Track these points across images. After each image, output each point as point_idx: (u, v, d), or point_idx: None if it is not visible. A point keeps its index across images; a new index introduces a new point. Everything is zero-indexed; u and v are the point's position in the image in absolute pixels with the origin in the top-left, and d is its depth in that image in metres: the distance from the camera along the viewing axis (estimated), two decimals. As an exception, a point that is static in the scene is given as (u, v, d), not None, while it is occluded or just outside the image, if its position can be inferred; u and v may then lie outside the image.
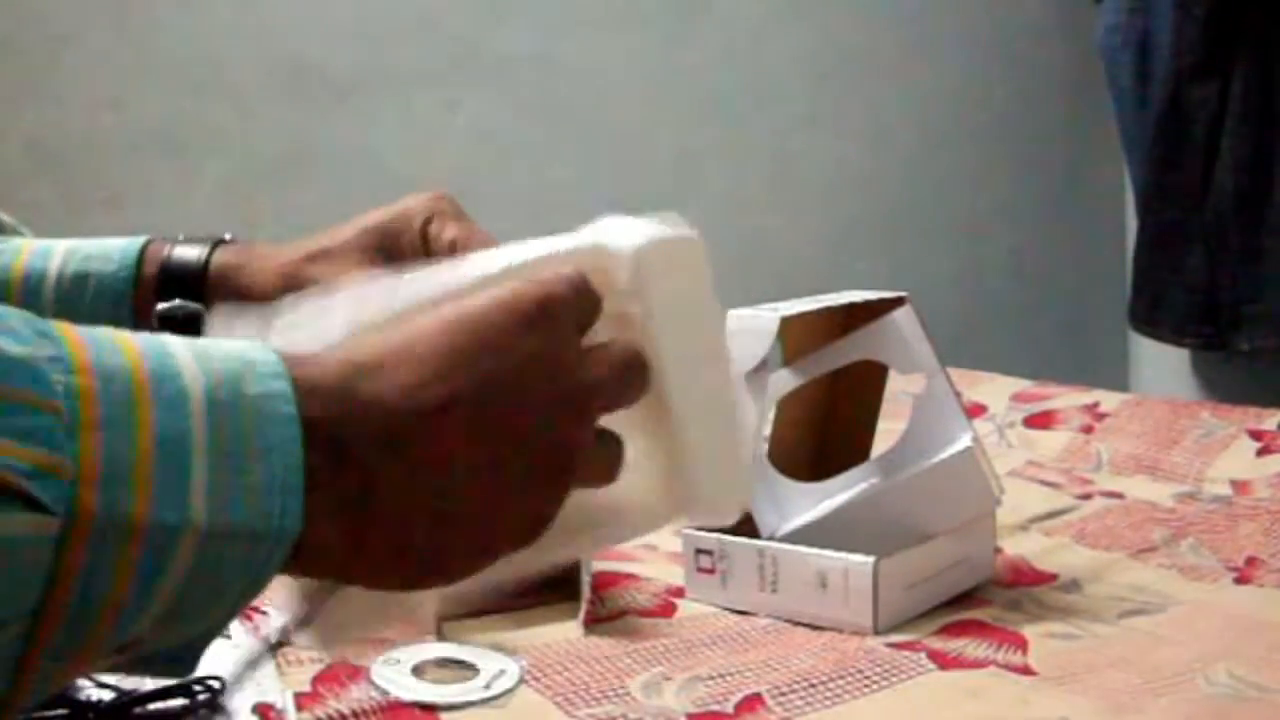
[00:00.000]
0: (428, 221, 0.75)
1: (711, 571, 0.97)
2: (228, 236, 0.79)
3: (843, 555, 0.91)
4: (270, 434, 0.40)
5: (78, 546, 0.36)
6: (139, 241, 0.77)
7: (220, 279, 0.75)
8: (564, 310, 0.48)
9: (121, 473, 0.37)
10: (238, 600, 0.41)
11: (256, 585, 0.40)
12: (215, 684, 0.75)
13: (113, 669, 0.41)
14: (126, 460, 0.37)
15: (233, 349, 0.41)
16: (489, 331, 0.46)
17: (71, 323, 0.39)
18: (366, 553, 0.43)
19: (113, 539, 0.36)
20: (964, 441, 0.97)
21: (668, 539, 1.08)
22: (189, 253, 0.76)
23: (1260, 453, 1.33)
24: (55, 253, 0.77)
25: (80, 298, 0.75)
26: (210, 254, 0.76)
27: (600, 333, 0.51)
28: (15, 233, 0.82)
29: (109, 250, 0.77)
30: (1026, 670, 0.84)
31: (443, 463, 0.44)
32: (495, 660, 0.84)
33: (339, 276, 0.68)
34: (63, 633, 0.37)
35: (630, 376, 0.50)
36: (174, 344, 0.40)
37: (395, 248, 0.74)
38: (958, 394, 1.00)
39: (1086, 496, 1.28)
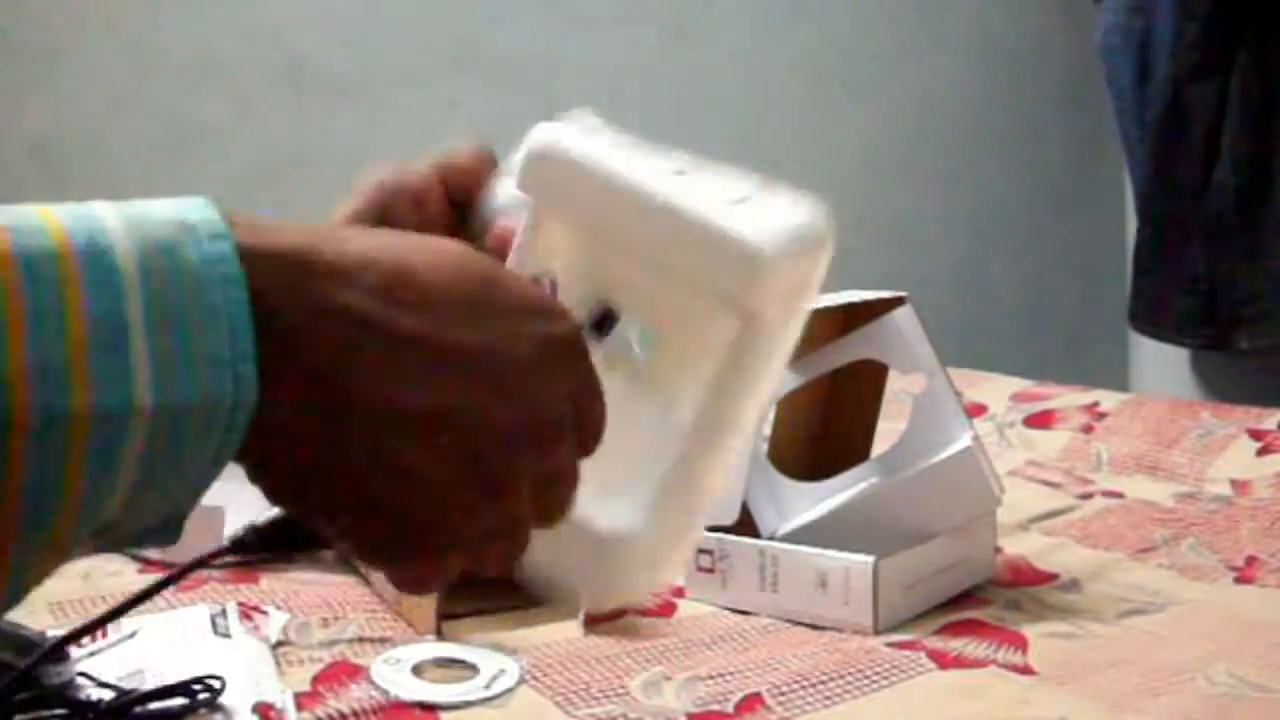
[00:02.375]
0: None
1: (711, 571, 0.97)
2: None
3: (843, 555, 0.91)
4: (213, 298, 0.37)
5: (19, 448, 0.34)
6: None
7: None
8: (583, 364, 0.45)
9: (55, 366, 0.35)
10: (209, 470, 0.39)
11: (223, 455, 0.38)
12: (215, 684, 0.75)
13: (97, 551, 0.40)
14: (59, 352, 0.35)
15: (170, 213, 0.38)
16: (504, 317, 0.43)
17: None
18: (319, 458, 0.41)
19: (56, 436, 0.35)
20: (964, 441, 0.97)
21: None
22: None
23: (1260, 453, 1.33)
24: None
25: None
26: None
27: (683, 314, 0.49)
28: None
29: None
30: (1026, 670, 0.84)
31: (389, 416, 0.40)
32: (495, 660, 0.84)
33: None
34: (25, 530, 0.35)
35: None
36: (104, 214, 0.38)
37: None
38: (958, 394, 1.00)
39: (1086, 496, 1.28)
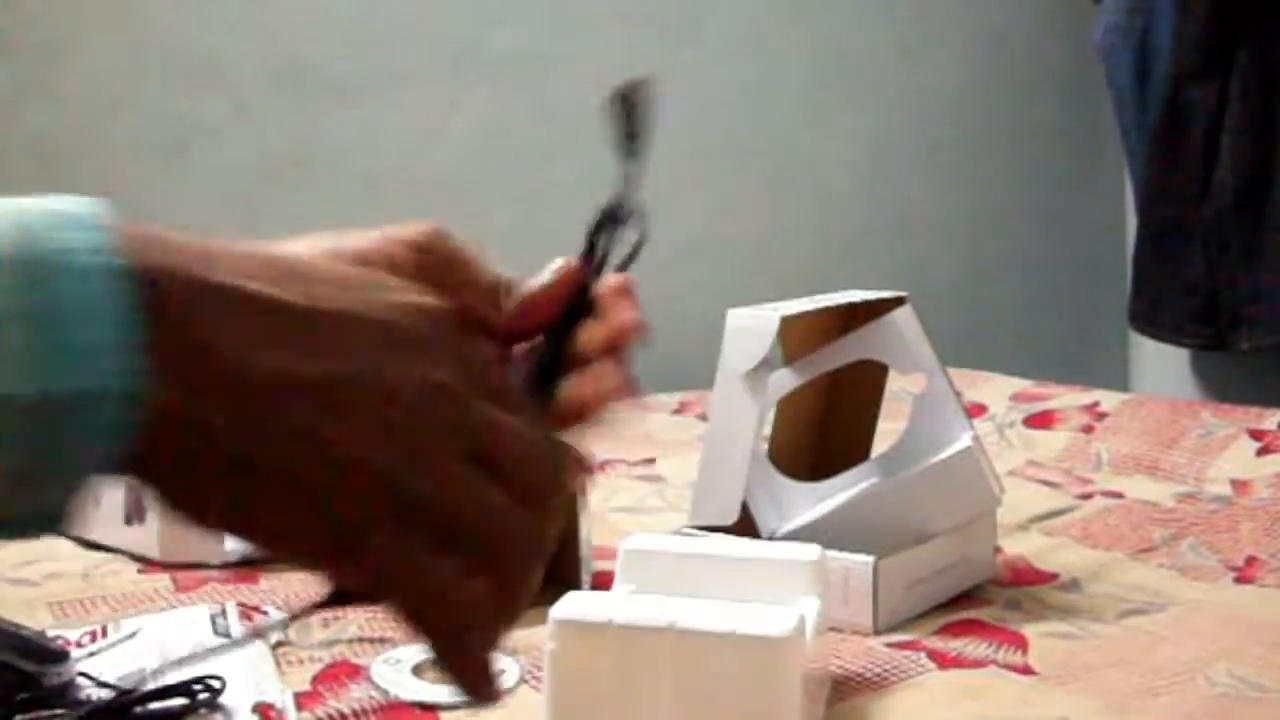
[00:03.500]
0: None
1: (711, 571, 0.97)
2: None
3: (843, 555, 0.91)
4: (92, 289, 0.36)
5: None
6: None
7: None
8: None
9: None
10: (97, 465, 0.37)
11: (113, 449, 0.37)
12: (215, 684, 0.75)
13: None
14: None
15: (49, 204, 0.37)
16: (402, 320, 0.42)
17: None
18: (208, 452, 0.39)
19: None
20: (964, 441, 0.97)
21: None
22: None
23: (1260, 453, 1.33)
24: None
25: None
26: None
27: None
28: None
29: None
30: (1026, 670, 0.84)
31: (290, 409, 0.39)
32: (495, 660, 0.84)
33: None
34: None
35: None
36: None
37: None
38: (958, 394, 1.00)
39: (1086, 496, 1.28)
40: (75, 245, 0.36)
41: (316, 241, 0.46)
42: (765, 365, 0.98)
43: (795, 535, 0.99)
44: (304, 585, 1.00)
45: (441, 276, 0.49)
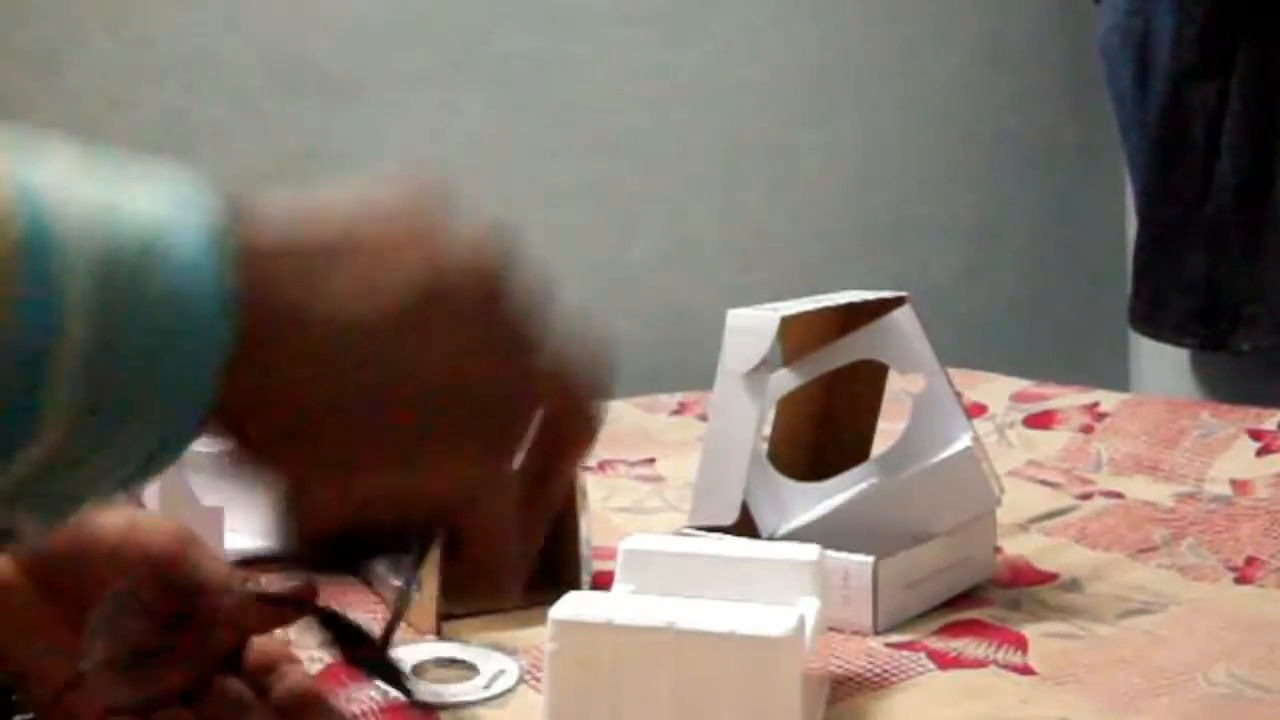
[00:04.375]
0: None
1: (711, 571, 0.97)
2: None
3: (842, 555, 0.91)
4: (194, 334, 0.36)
5: None
6: None
7: None
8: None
9: None
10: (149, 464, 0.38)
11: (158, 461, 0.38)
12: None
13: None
14: None
15: (151, 211, 0.37)
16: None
17: None
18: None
19: None
20: (964, 441, 0.97)
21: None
22: None
23: (1260, 453, 1.33)
24: None
25: None
26: None
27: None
28: None
29: None
30: (1026, 670, 0.84)
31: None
32: (495, 660, 0.84)
33: None
34: None
35: None
36: (65, 243, 0.35)
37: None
38: (958, 394, 1.00)
39: (1086, 496, 1.28)
40: (175, 284, 0.36)
41: None
42: (765, 365, 0.98)
43: (795, 535, 0.99)
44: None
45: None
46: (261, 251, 0.39)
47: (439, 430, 0.42)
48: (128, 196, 0.37)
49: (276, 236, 0.40)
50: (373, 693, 0.79)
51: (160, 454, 0.38)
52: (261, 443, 0.41)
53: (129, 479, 0.38)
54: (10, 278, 0.33)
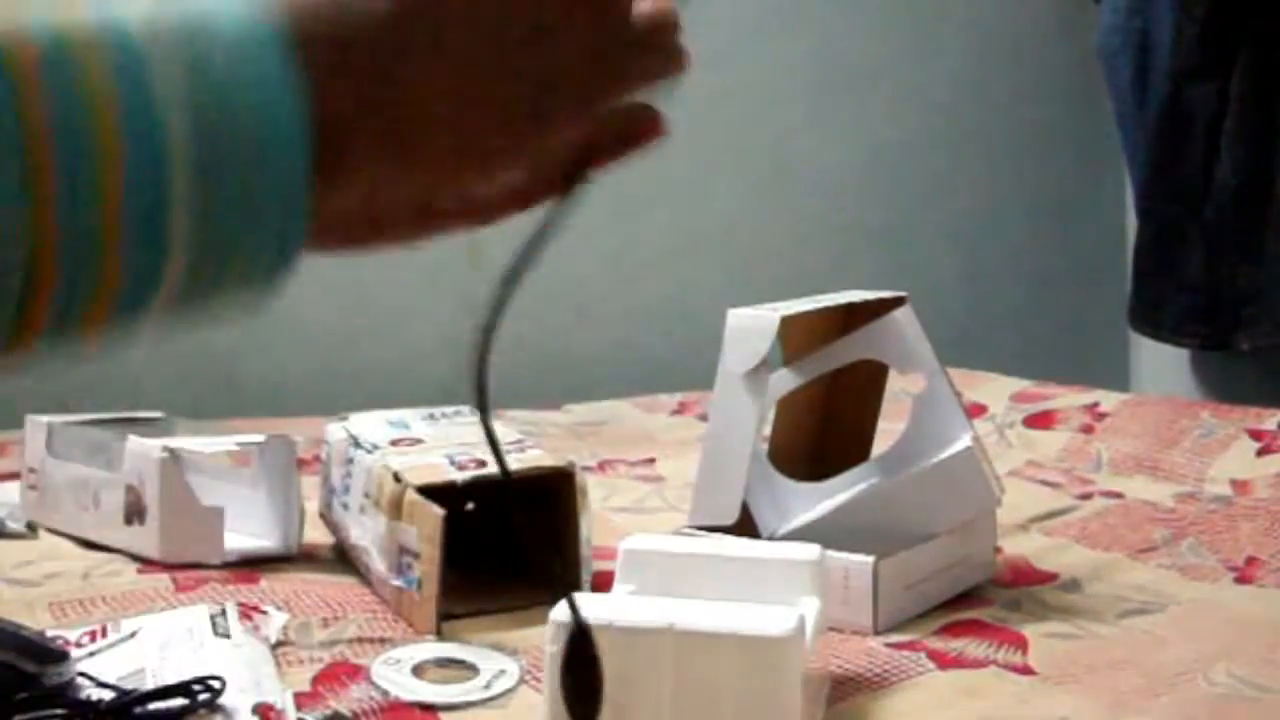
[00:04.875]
0: None
1: (711, 571, 0.97)
2: None
3: (842, 555, 0.91)
4: (268, 141, 0.37)
5: (43, 290, 0.35)
6: None
7: None
8: None
9: (86, 237, 0.34)
10: (269, 274, 0.39)
11: (276, 272, 0.39)
12: (215, 684, 0.75)
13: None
14: (93, 233, 0.34)
15: (225, 20, 0.37)
16: None
17: None
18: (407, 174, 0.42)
19: (74, 305, 0.35)
20: (964, 441, 0.97)
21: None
22: None
23: (1260, 453, 1.33)
24: None
25: None
26: None
27: None
28: None
29: None
30: (1026, 670, 0.84)
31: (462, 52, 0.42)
32: (495, 660, 0.84)
33: None
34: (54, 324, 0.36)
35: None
36: (152, 54, 0.36)
37: None
38: (958, 394, 1.00)
39: (1086, 496, 1.28)
40: (256, 88, 0.37)
41: None
42: (765, 365, 0.98)
43: (795, 535, 0.99)
44: (304, 585, 1.00)
45: None
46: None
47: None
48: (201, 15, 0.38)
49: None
50: (373, 693, 0.79)
51: (288, 242, 0.39)
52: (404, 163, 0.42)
53: (269, 273, 0.39)
54: (112, 89, 0.35)
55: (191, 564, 1.05)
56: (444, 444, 1.02)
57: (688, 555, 0.80)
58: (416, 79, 0.41)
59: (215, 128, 0.36)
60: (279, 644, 0.87)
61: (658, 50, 0.48)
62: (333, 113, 0.39)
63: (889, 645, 0.88)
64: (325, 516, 1.11)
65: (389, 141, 0.41)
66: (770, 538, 1.00)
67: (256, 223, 0.38)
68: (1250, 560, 1.06)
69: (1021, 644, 0.88)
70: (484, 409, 0.47)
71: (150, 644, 0.83)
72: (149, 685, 0.76)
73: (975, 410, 1.53)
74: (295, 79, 0.38)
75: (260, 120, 0.37)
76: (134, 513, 1.08)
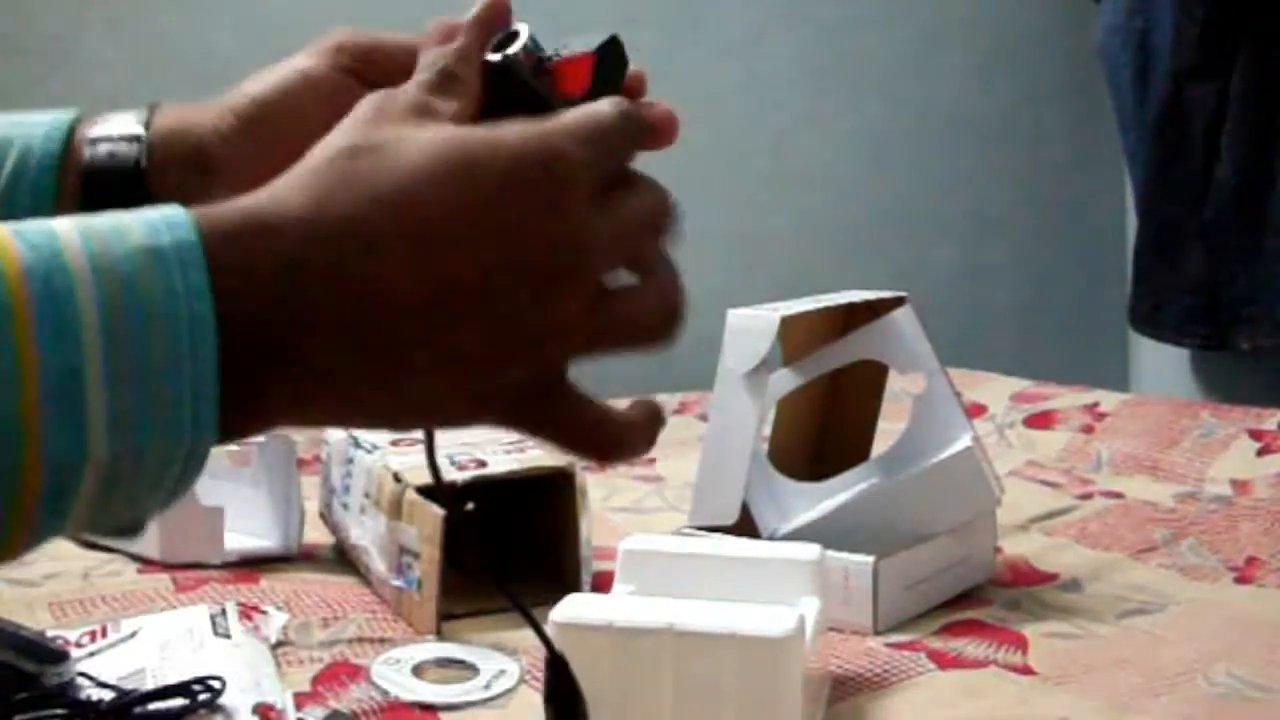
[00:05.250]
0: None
1: (711, 571, 0.97)
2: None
3: (843, 555, 0.91)
4: (179, 342, 0.37)
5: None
6: (71, 111, 0.67)
7: (168, 135, 0.67)
8: (574, 172, 0.42)
9: (6, 421, 0.35)
10: (171, 494, 0.39)
11: (185, 481, 0.39)
12: (215, 684, 0.75)
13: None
14: (10, 409, 0.35)
15: (141, 236, 0.37)
16: (481, 197, 0.40)
17: None
18: (312, 415, 0.41)
19: (3, 487, 0.35)
20: (964, 441, 0.97)
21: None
22: (126, 115, 0.68)
23: (1260, 453, 1.33)
24: None
25: (0, 163, 0.65)
26: (150, 113, 0.68)
27: None
28: None
29: (38, 117, 0.67)
30: (1026, 670, 0.84)
31: (399, 348, 0.40)
32: (495, 660, 0.84)
33: (316, 107, 0.60)
34: None
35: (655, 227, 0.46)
36: (67, 244, 0.36)
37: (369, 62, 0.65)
38: (958, 394, 1.00)
39: (1086, 496, 1.28)
40: (163, 293, 0.36)
41: (234, 102, 0.56)
42: (765, 365, 0.98)
43: (795, 535, 0.99)
44: (304, 585, 1.00)
45: (362, 68, 0.57)
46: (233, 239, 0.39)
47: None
48: (120, 234, 0.38)
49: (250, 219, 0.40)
50: (373, 693, 0.79)
51: (195, 454, 0.38)
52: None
53: (179, 480, 0.39)
54: (37, 318, 0.35)
55: (191, 564, 1.05)
56: (444, 444, 1.01)
57: (688, 555, 0.80)
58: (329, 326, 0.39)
59: (128, 337, 0.36)
60: (279, 644, 0.87)
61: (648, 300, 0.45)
62: (241, 330, 0.38)
63: (889, 645, 0.88)
64: (325, 516, 1.11)
65: (306, 371, 0.40)
66: (770, 538, 1.00)
67: (168, 426, 0.37)
68: (1250, 560, 1.06)
69: (1021, 644, 0.88)
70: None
71: (150, 644, 0.83)
72: (149, 685, 0.76)
73: (975, 410, 1.53)
74: (206, 295, 0.37)
75: (169, 330, 0.37)
76: (134, 513, 1.08)
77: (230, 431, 0.39)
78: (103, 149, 0.64)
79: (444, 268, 0.40)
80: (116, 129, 0.65)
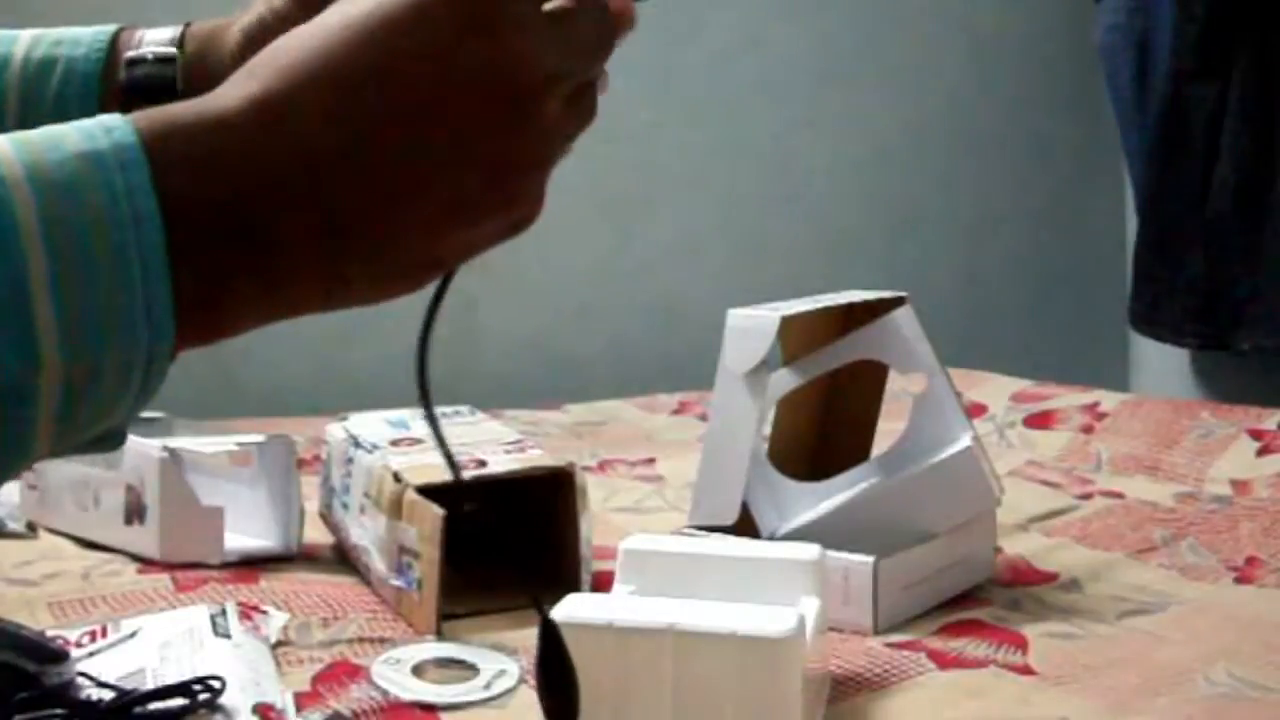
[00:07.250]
0: None
1: (711, 571, 0.97)
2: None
3: (842, 555, 0.91)
4: (125, 244, 0.36)
5: None
6: (111, 27, 0.70)
7: (199, 48, 0.68)
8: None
9: None
10: (137, 399, 0.39)
11: (149, 388, 0.38)
12: (215, 684, 0.75)
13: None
14: None
15: (78, 144, 0.37)
16: (415, 46, 0.40)
17: (35, 109, 0.38)
18: (290, 300, 0.41)
19: None
20: (964, 441, 0.97)
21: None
22: (162, 32, 0.69)
23: (1260, 453, 1.33)
24: (21, 38, 0.71)
25: (46, 83, 0.69)
26: (184, 31, 0.69)
27: None
28: None
29: (79, 35, 0.70)
30: (1026, 670, 0.84)
31: (354, 209, 0.40)
32: (495, 660, 0.84)
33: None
34: None
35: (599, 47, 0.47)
36: (1, 158, 0.36)
37: None
38: (958, 394, 1.00)
39: (1086, 496, 1.28)
40: (105, 196, 0.36)
41: (244, 21, 0.58)
42: (765, 365, 0.98)
43: (795, 535, 0.99)
44: (304, 585, 1.00)
45: None
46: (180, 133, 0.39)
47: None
48: (55, 142, 0.37)
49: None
50: (373, 693, 0.79)
51: (155, 357, 0.38)
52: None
53: (142, 387, 0.38)
54: None
55: (191, 564, 1.05)
56: (444, 444, 1.01)
57: (688, 555, 0.80)
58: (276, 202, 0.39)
59: (70, 243, 0.36)
60: (279, 644, 0.87)
61: (578, 117, 0.48)
62: (190, 230, 0.38)
63: (889, 645, 0.88)
64: (325, 516, 1.11)
65: (253, 263, 0.40)
66: (770, 538, 1.00)
67: (122, 329, 0.37)
68: (1250, 560, 1.06)
69: (1021, 644, 0.88)
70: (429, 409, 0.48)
71: (150, 644, 0.83)
72: (149, 685, 0.76)
73: (975, 410, 1.53)
74: (150, 193, 0.37)
75: (114, 232, 0.36)
76: (134, 512, 1.08)
77: (194, 333, 0.39)
78: (140, 71, 0.68)
79: (408, 104, 0.40)
80: (151, 49, 0.68)
